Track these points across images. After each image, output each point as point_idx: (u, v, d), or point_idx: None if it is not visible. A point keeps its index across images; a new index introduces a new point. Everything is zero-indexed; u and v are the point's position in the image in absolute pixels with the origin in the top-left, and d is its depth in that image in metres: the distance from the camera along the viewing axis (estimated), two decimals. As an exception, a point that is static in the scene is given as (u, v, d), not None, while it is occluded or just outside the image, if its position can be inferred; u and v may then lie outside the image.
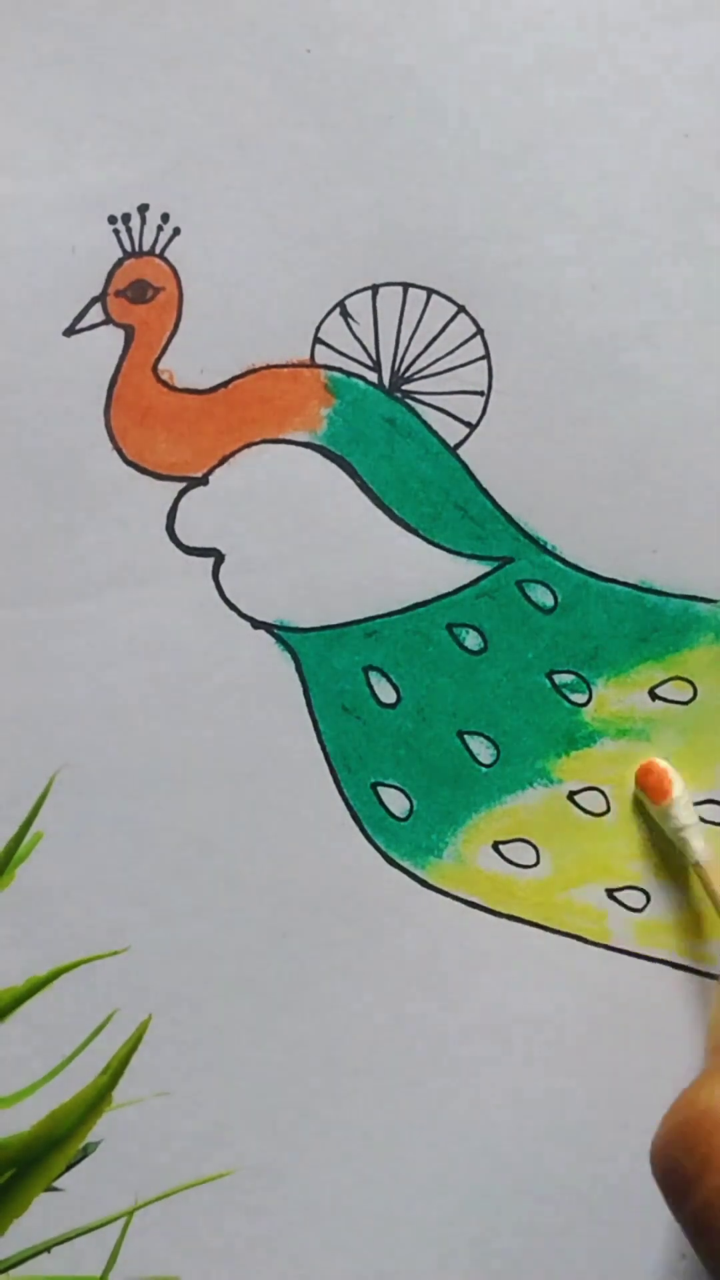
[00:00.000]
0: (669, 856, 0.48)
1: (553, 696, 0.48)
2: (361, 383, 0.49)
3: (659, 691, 0.48)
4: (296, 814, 0.48)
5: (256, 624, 0.49)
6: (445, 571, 0.49)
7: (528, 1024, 0.47)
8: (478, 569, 0.49)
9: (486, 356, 0.49)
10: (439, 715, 0.49)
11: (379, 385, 0.49)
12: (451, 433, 0.49)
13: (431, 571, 0.49)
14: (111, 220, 0.50)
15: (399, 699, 0.49)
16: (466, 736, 0.48)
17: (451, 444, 0.49)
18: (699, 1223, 0.37)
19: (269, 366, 0.50)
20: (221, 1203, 0.48)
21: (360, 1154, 0.47)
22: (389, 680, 0.49)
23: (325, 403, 0.49)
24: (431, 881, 0.48)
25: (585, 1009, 0.47)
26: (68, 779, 0.49)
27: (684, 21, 0.49)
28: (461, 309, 0.49)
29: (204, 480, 0.49)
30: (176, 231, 0.50)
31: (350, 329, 0.50)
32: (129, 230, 0.50)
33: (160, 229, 0.50)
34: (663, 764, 0.47)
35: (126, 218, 0.50)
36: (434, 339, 0.49)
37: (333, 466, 0.49)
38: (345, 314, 0.50)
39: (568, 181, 0.49)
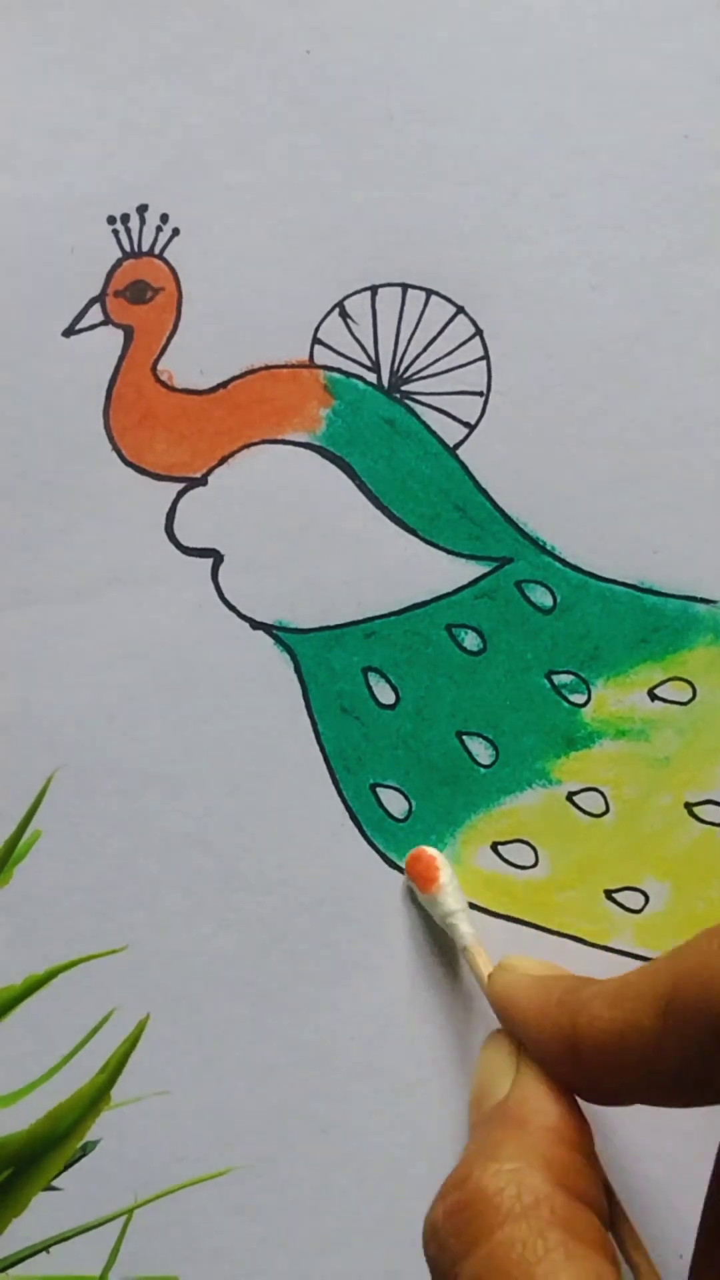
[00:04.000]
0: (669, 857, 0.48)
1: (552, 697, 0.48)
2: (360, 383, 0.49)
3: (658, 692, 0.48)
4: (296, 814, 0.49)
5: (255, 624, 0.49)
6: (444, 572, 0.49)
7: (526, 1024, 0.47)
8: (477, 569, 0.49)
9: (486, 357, 0.49)
10: (438, 716, 0.49)
11: (378, 386, 0.49)
12: (451, 433, 0.49)
13: (430, 572, 0.49)
14: (111, 220, 0.50)
15: (398, 700, 0.49)
16: (465, 737, 0.48)
17: (451, 444, 0.49)
18: None
19: (268, 367, 0.50)
20: (221, 1202, 0.48)
21: (360, 1154, 0.48)
22: (388, 681, 0.49)
23: (324, 403, 0.50)
24: (430, 882, 0.48)
25: (584, 1010, 0.47)
26: (67, 779, 0.49)
27: (684, 21, 0.49)
28: (460, 310, 0.49)
29: (203, 481, 0.50)
30: (176, 232, 0.50)
31: (349, 329, 0.50)
32: (128, 231, 0.50)
33: (159, 229, 0.50)
34: (431, 852, 0.47)
35: (126, 218, 0.50)
36: (433, 340, 0.49)
37: (332, 467, 0.49)
38: (344, 314, 0.50)
39: (568, 181, 0.49)
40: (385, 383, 0.49)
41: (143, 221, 0.50)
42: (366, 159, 0.50)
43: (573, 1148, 0.38)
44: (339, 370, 0.49)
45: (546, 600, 0.49)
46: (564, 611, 0.49)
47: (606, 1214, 0.38)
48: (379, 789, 0.48)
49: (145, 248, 0.50)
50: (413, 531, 0.49)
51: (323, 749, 0.49)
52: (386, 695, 0.49)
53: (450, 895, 0.47)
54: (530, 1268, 0.34)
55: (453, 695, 0.49)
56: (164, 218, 0.50)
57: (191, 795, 0.49)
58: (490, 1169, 0.37)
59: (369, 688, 0.49)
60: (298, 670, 0.49)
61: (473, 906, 0.48)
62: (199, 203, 0.50)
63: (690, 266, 0.49)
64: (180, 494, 0.50)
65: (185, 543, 0.49)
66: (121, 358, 0.50)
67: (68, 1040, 0.48)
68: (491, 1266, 0.35)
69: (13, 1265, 0.47)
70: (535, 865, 0.48)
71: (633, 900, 0.48)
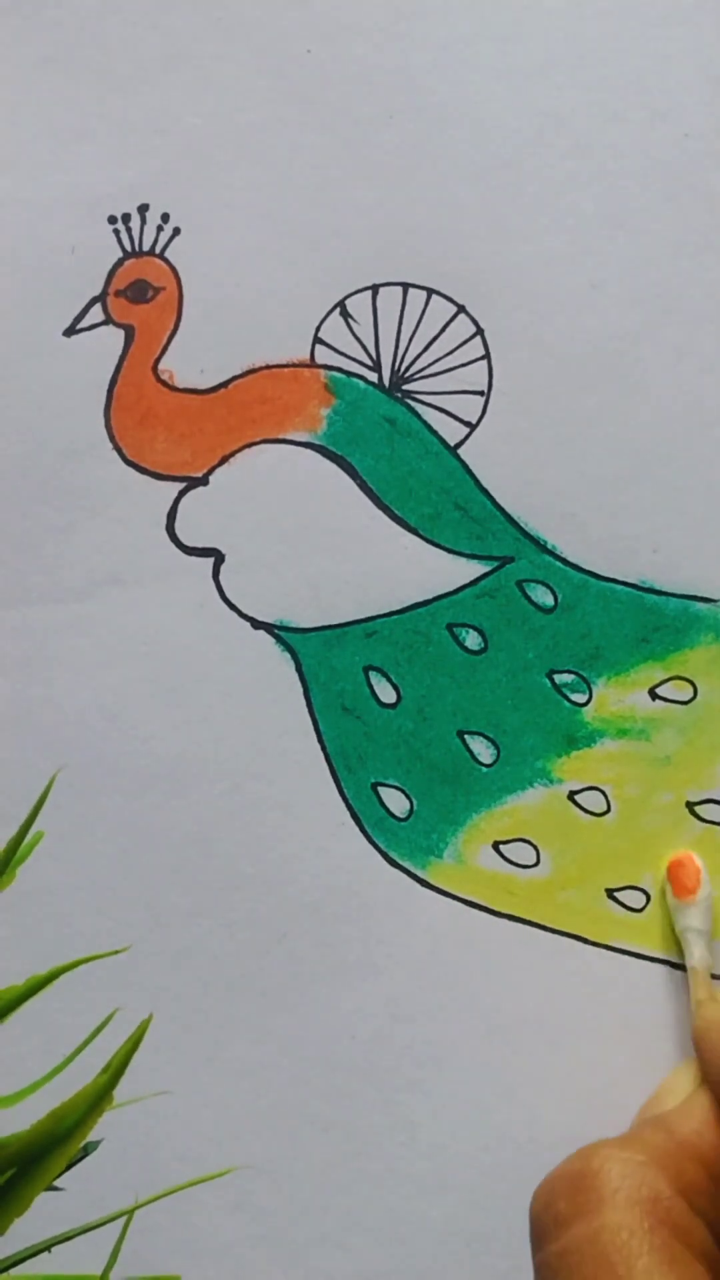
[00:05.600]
0: (670, 856, 0.48)
1: (553, 696, 0.48)
2: (361, 383, 0.49)
3: (659, 691, 0.48)
4: (296, 814, 0.48)
5: (257, 624, 0.49)
6: (445, 571, 0.49)
7: (527, 1024, 0.47)
8: (478, 569, 0.49)
9: (486, 356, 0.49)
10: (439, 715, 0.49)
11: (379, 385, 0.49)
12: (451, 432, 0.49)
13: (431, 571, 0.49)
14: (111, 220, 0.50)
15: (399, 699, 0.49)
16: (467, 736, 0.48)
17: (452, 444, 0.49)
18: (552, 1266, 0.37)
19: (269, 366, 0.50)
20: (221, 1202, 0.48)
21: (360, 1154, 0.47)
22: (389, 680, 0.49)
23: (325, 403, 0.49)
24: (432, 881, 0.48)
25: (585, 1009, 0.47)
26: (68, 779, 0.49)
27: (684, 21, 0.49)
28: (461, 309, 0.49)
29: (204, 480, 0.50)
30: (176, 231, 0.50)
31: (350, 329, 0.50)
32: (129, 230, 0.50)
33: (160, 229, 0.50)
34: (699, 863, 0.47)
35: (126, 218, 0.50)
36: (434, 339, 0.49)
37: (333, 466, 0.49)
38: (345, 314, 0.50)
39: (568, 181, 0.49)
40: (386, 382, 0.49)
41: (144, 221, 0.50)
42: (367, 158, 0.50)
43: (711, 1173, 0.39)
44: (340, 369, 0.49)
45: (547, 599, 0.49)
46: (565, 611, 0.49)
47: None
48: (380, 788, 0.48)
49: (146, 247, 0.50)
50: (414, 531, 0.49)
51: (324, 748, 0.49)
52: (388, 694, 0.49)
53: (700, 912, 0.46)
54: (632, 1259, 0.35)
55: (454, 694, 0.49)
56: (165, 217, 0.50)
57: (193, 795, 0.49)
58: (621, 1155, 0.38)
59: (370, 687, 0.49)
60: (299, 670, 0.49)
61: (474, 906, 0.48)
62: (200, 202, 0.50)
63: (690, 266, 0.49)
64: (181, 493, 0.50)
65: (186, 542, 0.49)
66: (122, 357, 0.50)
67: (70, 1040, 0.48)
68: (595, 1245, 0.35)
69: (15, 1265, 0.47)
70: (537, 864, 0.48)
71: (634, 899, 0.48)
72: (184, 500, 0.49)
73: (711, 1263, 0.37)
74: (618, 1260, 0.35)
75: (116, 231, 0.50)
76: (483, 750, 0.48)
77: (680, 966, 0.47)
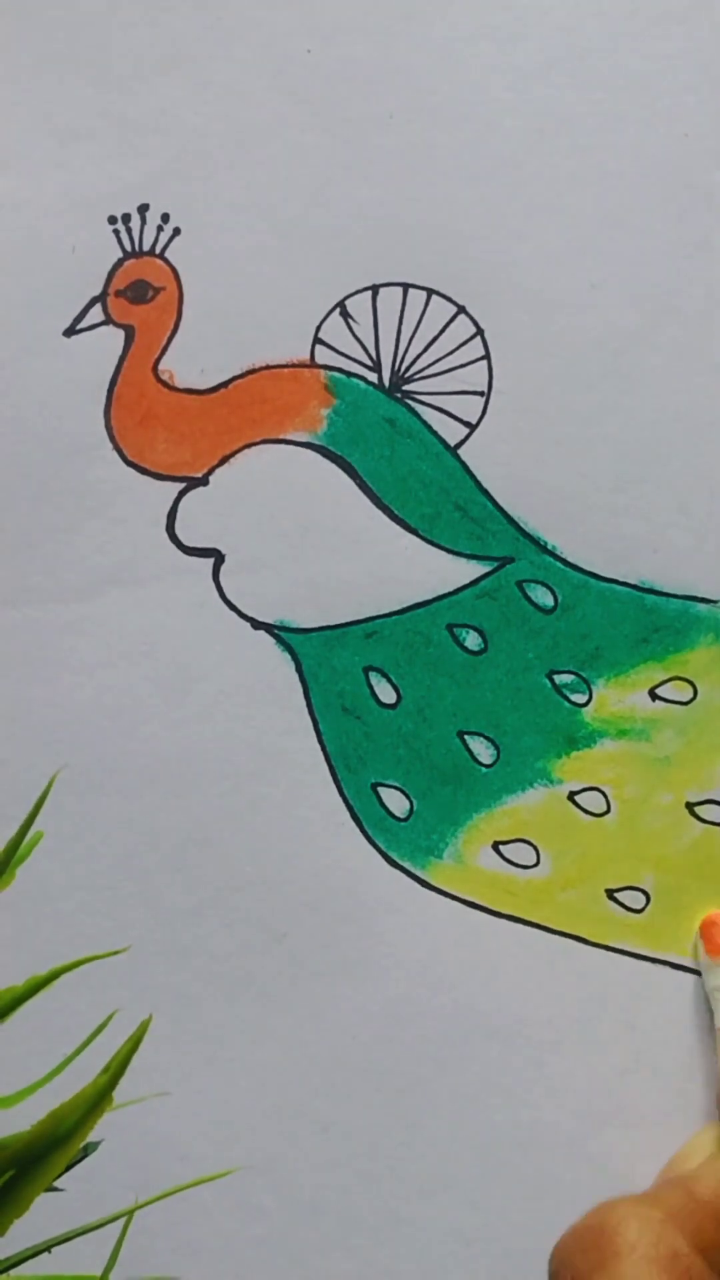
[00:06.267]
0: (670, 856, 0.48)
1: (553, 697, 0.48)
2: (361, 383, 0.49)
3: (659, 692, 0.48)
4: (296, 814, 0.48)
5: (257, 624, 0.49)
6: (445, 572, 0.49)
7: (527, 1024, 0.47)
8: (478, 569, 0.49)
9: (486, 357, 0.49)
10: (439, 715, 0.49)
11: (379, 385, 0.49)
12: (451, 433, 0.49)
13: (431, 572, 0.49)
14: (111, 220, 0.50)
15: (399, 699, 0.49)
16: (467, 737, 0.48)
17: (451, 444, 0.49)
18: None
19: (269, 367, 0.50)
20: (221, 1203, 0.48)
21: (360, 1154, 0.48)
22: (389, 680, 0.49)
23: (325, 403, 0.49)
24: (432, 882, 0.48)
25: (585, 1009, 0.47)
26: (68, 779, 0.49)
27: (684, 21, 0.49)
28: (461, 309, 0.49)
29: (204, 480, 0.50)
30: (176, 232, 0.50)
31: (350, 329, 0.50)
32: (129, 230, 0.50)
33: (160, 229, 0.50)
34: None
35: (126, 218, 0.50)
36: (434, 339, 0.49)
37: (333, 466, 0.49)
38: (345, 314, 0.50)
39: (568, 181, 0.49)
40: (386, 382, 0.49)
41: (144, 221, 0.50)
42: (367, 158, 0.50)
43: None
44: (340, 370, 0.49)
45: (547, 600, 0.49)
46: (565, 611, 0.49)
47: None
48: (380, 788, 0.48)
49: (146, 247, 0.50)
50: (414, 531, 0.49)
51: (324, 748, 0.49)
52: (388, 695, 0.49)
53: None
54: None
55: (454, 695, 0.49)
56: (165, 217, 0.50)
57: (193, 796, 0.49)
58: (639, 1211, 0.38)
59: (370, 687, 0.49)
60: (299, 670, 0.49)
61: (474, 906, 0.48)
62: (200, 202, 0.50)
63: (690, 265, 0.49)
64: (181, 493, 0.50)
65: (186, 542, 0.49)
66: (122, 357, 0.50)
67: (70, 1041, 0.48)
68: None
69: (14, 1266, 0.47)
70: (537, 865, 0.48)
71: (634, 899, 0.48)
72: (184, 500, 0.49)
73: None
74: None
75: (116, 232, 0.50)
76: (483, 751, 0.48)
77: (681, 967, 0.47)
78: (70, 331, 0.50)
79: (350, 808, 0.48)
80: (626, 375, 0.49)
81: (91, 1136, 0.47)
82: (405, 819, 0.48)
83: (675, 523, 0.48)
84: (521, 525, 0.49)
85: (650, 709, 0.48)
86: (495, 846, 0.48)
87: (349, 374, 0.50)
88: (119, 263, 0.50)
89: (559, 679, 0.48)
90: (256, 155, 0.50)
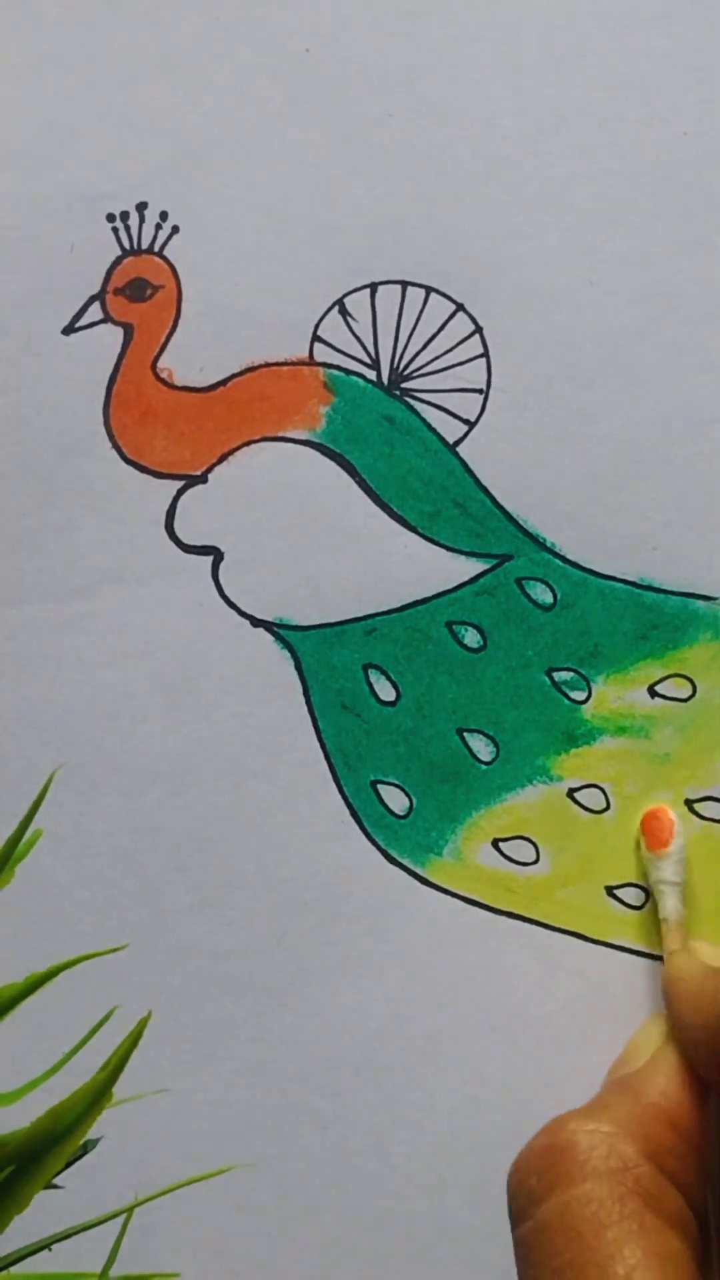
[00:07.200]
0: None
1: (552, 694, 0.48)
2: (360, 380, 0.50)
3: (658, 689, 0.48)
4: (296, 812, 0.49)
5: (256, 622, 0.49)
6: (444, 569, 0.49)
7: (527, 1021, 0.47)
8: (477, 566, 0.49)
9: (485, 354, 0.49)
10: (439, 713, 0.49)
11: (378, 383, 0.50)
12: (450, 430, 0.49)
13: (431, 569, 0.49)
14: (110, 218, 0.50)
15: (398, 697, 0.49)
16: (466, 734, 0.48)
17: (450, 442, 0.49)
18: (527, 1243, 0.37)
19: (268, 365, 0.50)
20: (221, 1200, 0.48)
21: (360, 1152, 0.47)
22: (388, 678, 0.49)
23: (324, 401, 0.50)
24: (431, 879, 0.48)
25: (585, 1006, 0.47)
26: (67, 778, 0.49)
27: (683, 20, 0.50)
28: (460, 307, 0.49)
29: (203, 478, 0.50)
30: (175, 230, 0.50)
31: (349, 327, 0.50)
32: (128, 228, 0.50)
33: (159, 227, 0.50)
34: (673, 816, 0.47)
35: (125, 216, 0.50)
36: (433, 337, 0.49)
37: (332, 464, 0.49)
38: (344, 312, 0.50)
39: (567, 179, 0.49)
40: (385, 380, 0.50)
41: (142, 219, 0.50)
42: (366, 157, 0.50)
43: (680, 1133, 0.39)
44: (339, 368, 0.50)
45: (547, 597, 0.49)
46: (564, 608, 0.49)
47: (703, 1206, 0.38)
48: (380, 786, 0.48)
49: (145, 245, 0.50)
50: (413, 529, 0.49)
51: (323, 746, 0.49)
52: (387, 692, 0.49)
53: (673, 864, 0.46)
54: (602, 1229, 0.35)
55: (453, 692, 0.49)
56: (163, 215, 0.50)
57: (192, 793, 0.49)
58: (586, 1125, 0.38)
59: (369, 685, 0.49)
60: (298, 667, 0.49)
61: (473, 903, 0.48)
62: (199, 200, 0.50)
63: (689, 263, 0.49)
64: (180, 492, 0.50)
65: (185, 540, 0.49)
66: (121, 355, 0.50)
67: (69, 1038, 0.48)
68: (565, 1218, 0.35)
69: (14, 1263, 0.47)
70: (536, 862, 0.48)
71: (634, 897, 0.48)
72: (183, 498, 0.50)
73: (684, 1228, 0.37)
74: (587, 1232, 0.35)
75: (115, 229, 0.50)
76: (482, 748, 0.48)
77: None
78: (69, 329, 0.50)
79: (350, 805, 0.48)
80: (625, 373, 0.49)
81: (91, 1134, 0.48)
82: (405, 816, 0.48)
83: (674, 520, 0.48)
84: (521, 522, 0.49)
85: (649, 706, 0.48)
86: (495, 844, 0.48)
87: (348, 372, 0.50)
88: (117, 261, 0.50)
89: (558, 676, 0.48)
90: (255, 154, 0.50)
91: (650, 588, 0.48)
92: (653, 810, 0.47)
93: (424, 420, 0.49)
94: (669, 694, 0.48)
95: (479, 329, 0.49)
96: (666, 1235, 0.35)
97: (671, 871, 0.46)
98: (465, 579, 0.49)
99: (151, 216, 0.50)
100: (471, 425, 0.49)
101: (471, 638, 0.49)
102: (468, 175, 0.49)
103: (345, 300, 0.50)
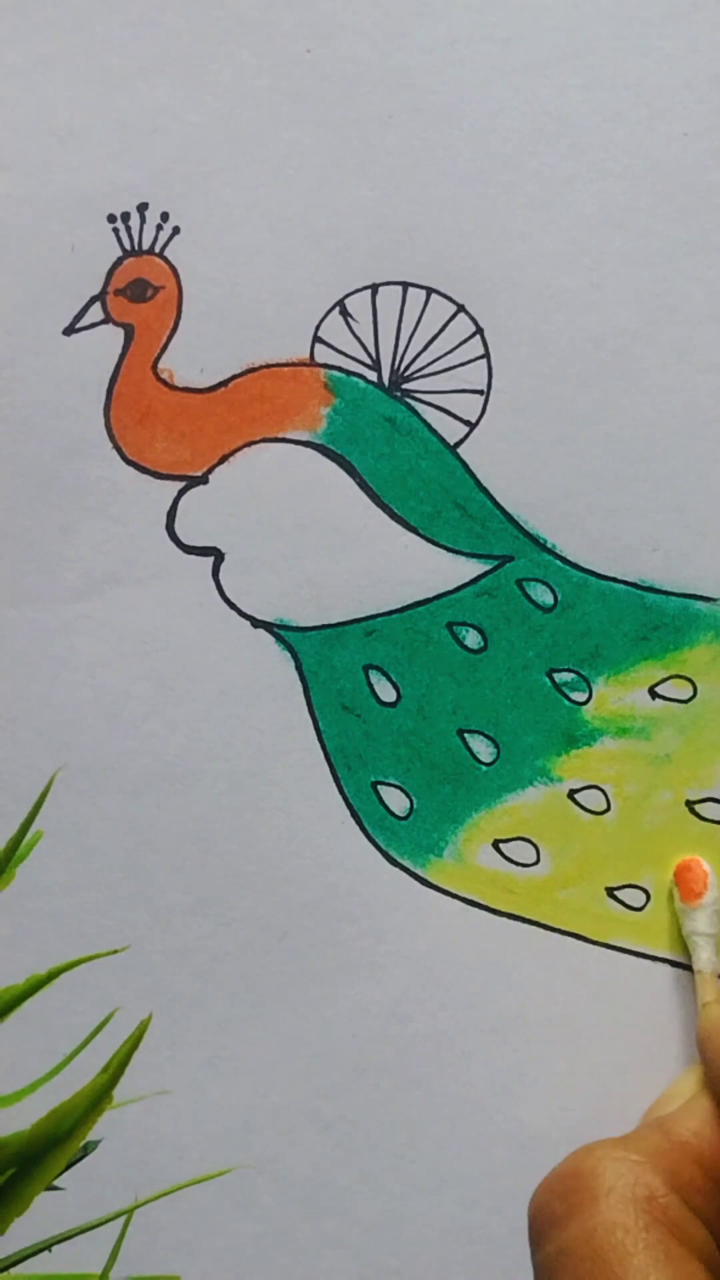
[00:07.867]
0: (670, 854, 0.48)
1: (553, 695, 0.48)
2: (361, 381, 0.50)
3: (659, 690, 0.48)
4: (296, 813, 0.48)
5: (256, 623, 0.49)
6: (445, 570, 0.49)
7: (527, 1022, 0.47)
8: (478, 567, 0.49)
9: (486, 355, 0.49)
10: (439, 714, 0.49)
11: (379, 384, 0.50)
12: (451, 431, 0.49)
13: (431, 570, 0.49)
14: (111, 219, 0.50)
15: (399, 697, 0.49)
16: (467, 735, 0.48)
17: (451, 443, 0.49)
18: (550, 1266, 0.37)
19: (269, 365, 0.50)
20: (221, 1202, 0.48)
21: (360, 1153, 0.47)
22: (389, 679, 0.49)
23: (325, 402, 0.50)
24: (432, 880, 0.48)
25: (585, 1007, 0.47)
26: (68, 778, 0.49)
27: (684, 21, 0.50)
28: (461, 308, 0.49)
29: (204, 479, 0.50)
30: (176, 230, 0.50)
31: (350, 328, 0.50)
32: (128, 229, 0.50)
33: (160, 228, 0.50)
34: (706, 867, 0.47)
35: (126, 216, 0.50)
36: (434, 338, 0.49)
37: (332, 465, 0.49)
38: (345, 313, 0.50)
39: (568, 181, 0.49)
40: (386, 381, 0.50)
41: (143, 220, 0.50)
42: (366, 158, 0.50)
43: (707, 1171, 0.39)
44: (340, 369, 0.50)
45: (547, 598, 0.49)
46: (565, 609, 0.49)
47: None
48: (380, 787, 0.48)
49: (146, 246, 0.50)
50: (413, 529, 0.49)
51: (324, 747, 0.49)
52: (388, 693, 0.49)
53: (707, 916, 0.46)
54: (628, 1256, 0.35)
55: (454, 693, 0.49)
56: (164, 216, 0.50)
57: (192, 794, 0.49)
58: (614, 1153, 0.38)
59: (370, 686, 0.49)
60: (298, 668, 0.49)
61: (474, 904, 0.48)
62: (199, 201, 0.50)
63: (689, 264, 0.49)
64: (181, 492, 0.50)
65: (186, 541, 0.49)
66: (122, 356, 0.50)
67: (70, 1040, 0.48)
68: (590, 1244, 0.35)
69: (15, 1264, 0.47)
70: (536, 863, 0.48)
71: (634, 898, 0.48)
72: (184, 499, 0.50)
73: (709, 1261, 0.37)
74: (612, 1259, 0.35)
75: (116, 230, 0.50)
76: (483, 749, 0.48)
77: (682, 965, 0.47)
78: (69, 330, 0.50)
79: (350, 806, 0.48)
80: (626, 374, 0.49)
81: (91, 1135, 0.48)
82: (405, 817, 0.48)
83: (675, 521, 0.49)
84: (521, 523, 0.49)
85: (650, 707, 0.48)
86: (495, 845, 0.48)
87: (349, 373, 0.50)
88: (118, 261, 0.50)
89: (559, 677, 0.48)
90: (256, 154, 0.50)
91: (651, 589, 0.48)
92: (685, 862, 0.47)
93: (425, 421, 0.49)
94: (670, 695, 0.48)
95: (480, 330, 0.49)
96: (690, 1266, 0.35)
97: (705, 923, 0.46)
98: (466, 580, 0.49)
99: (152, 217, 0.50)
100: (472, 426, 0.49)
101: (472, 639, 0.49)
102: (468, 176, 0.49)
103: (346, 301, 0.50)
